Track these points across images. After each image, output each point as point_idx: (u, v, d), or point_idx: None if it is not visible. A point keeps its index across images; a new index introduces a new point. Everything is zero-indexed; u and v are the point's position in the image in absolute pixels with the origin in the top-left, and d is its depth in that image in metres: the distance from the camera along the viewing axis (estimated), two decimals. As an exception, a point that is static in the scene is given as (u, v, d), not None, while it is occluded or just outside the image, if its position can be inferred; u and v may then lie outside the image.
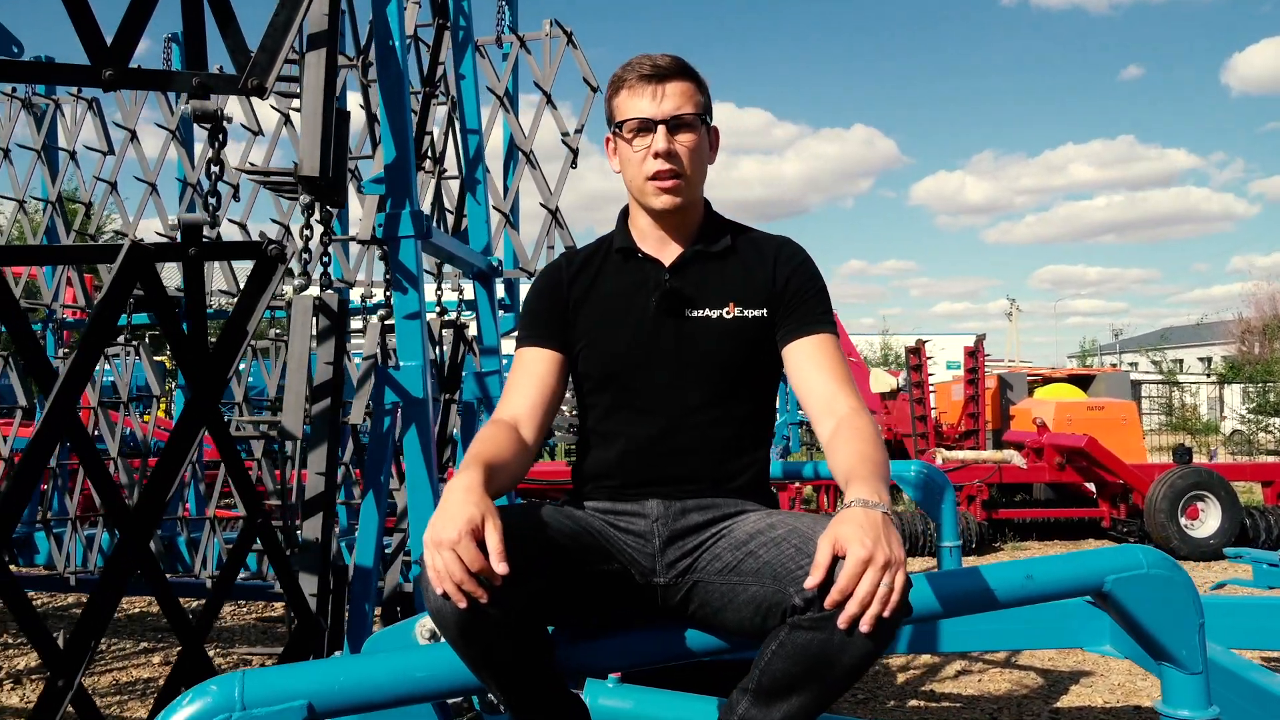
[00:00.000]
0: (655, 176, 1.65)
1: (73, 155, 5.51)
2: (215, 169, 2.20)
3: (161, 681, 3.06)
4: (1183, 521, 7.58)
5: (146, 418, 6.04)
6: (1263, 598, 2.76)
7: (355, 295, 4.73)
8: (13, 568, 5.13)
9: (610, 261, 1.76)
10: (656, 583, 1.60)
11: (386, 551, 3.51)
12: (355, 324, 4.90)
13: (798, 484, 8.27)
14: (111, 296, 1.97)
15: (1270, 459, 14.73)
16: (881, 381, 12.47)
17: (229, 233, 5.10)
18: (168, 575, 4.75)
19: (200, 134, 5.51)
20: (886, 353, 39.01)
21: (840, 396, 1.60)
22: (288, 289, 3.22)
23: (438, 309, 4.15)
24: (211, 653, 4.39)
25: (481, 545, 1.29)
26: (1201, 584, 5.83)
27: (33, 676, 4.20)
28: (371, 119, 3.62)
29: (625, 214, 1.79)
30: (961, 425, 11.51)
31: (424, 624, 1.72)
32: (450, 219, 4.16)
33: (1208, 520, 7.64)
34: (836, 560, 1.26)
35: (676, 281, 1.70)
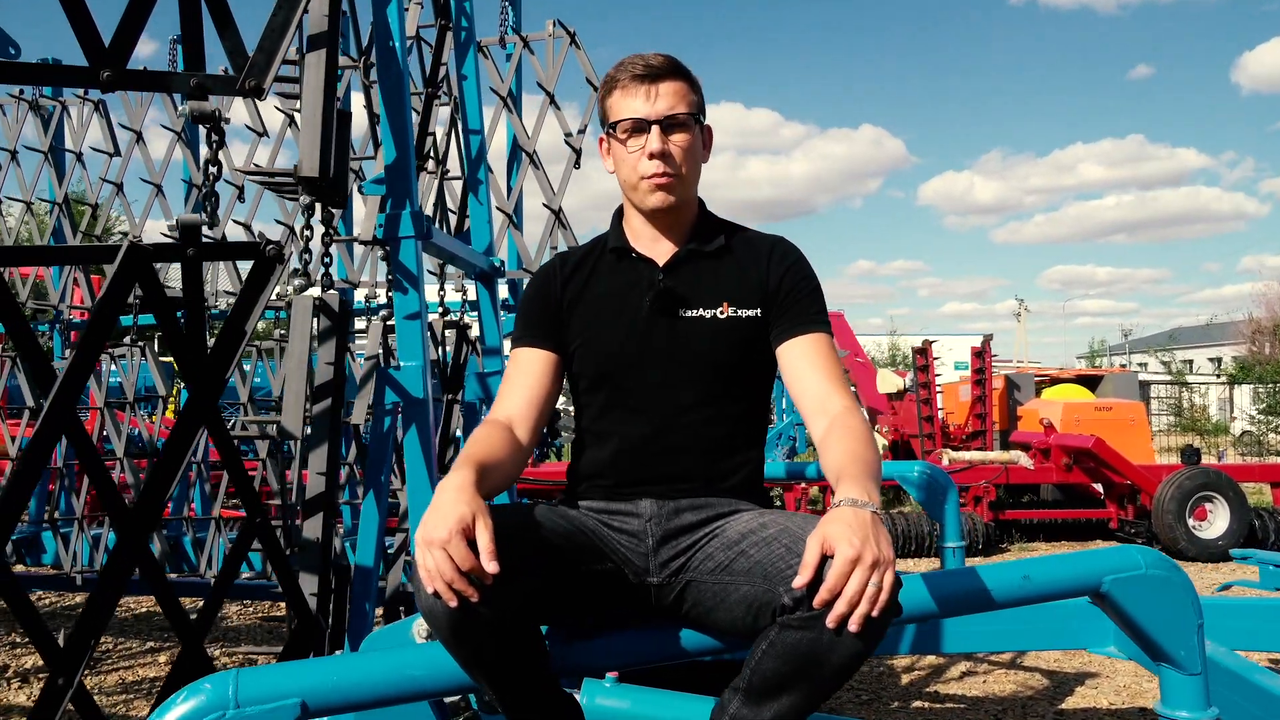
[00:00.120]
0: (649, 176, 1.66)
1: (79, 157, 5.55)
2: (213, 169, 2.21)
3: (164, 681, 3.07)
4: (1191, 523, 7.55)
5: (154, 418, 6.08)
6: (1269, 599, 2.74)
7: (359, 296, 4.74)
8: (20, 567, 5.17)
9: (604, 261, 1.76)
10: (650, 582, 1.60)
11: (389, 551, 3.52)
12: (360, 324, 4.91)
13: (803, 484, 8.25)
14: (110, 297, 1.98)
15: (1280, 460, 14.65)
16: (888, 382, 12.42)
17: (234, 234, 5.13)
18: (174, 575, 4.80)
19: (206, 135, 5.53)
20: (894, 353, 38.88)
21: (833, 396, 1.60)
22: (290, 289, 3.22)
23: (440, 309, 4.15)
24: (216, 652, 4.44)
25: (473, 544, 1.29)
26: (1208, 585, 5.82)
27: (39, 675, 4.22)
28: (374, 120, 3.63)
29: (620, 214, 1.79)
30: (969, 426, 11.46)
31: (421, 623, 1.72)
32: (453, 219, 4.17)
33: (1216, 521, 7.60)
34: (825, 559, 1.25)
35: (670, 281, 1.70)
